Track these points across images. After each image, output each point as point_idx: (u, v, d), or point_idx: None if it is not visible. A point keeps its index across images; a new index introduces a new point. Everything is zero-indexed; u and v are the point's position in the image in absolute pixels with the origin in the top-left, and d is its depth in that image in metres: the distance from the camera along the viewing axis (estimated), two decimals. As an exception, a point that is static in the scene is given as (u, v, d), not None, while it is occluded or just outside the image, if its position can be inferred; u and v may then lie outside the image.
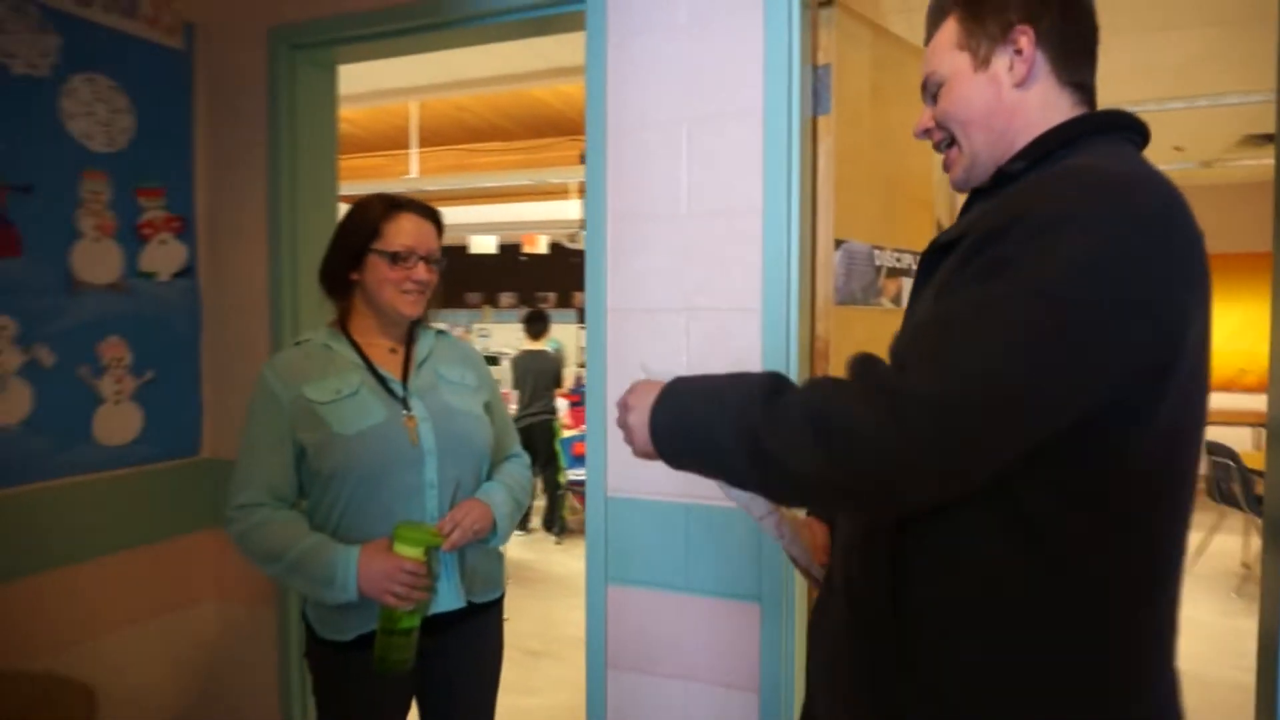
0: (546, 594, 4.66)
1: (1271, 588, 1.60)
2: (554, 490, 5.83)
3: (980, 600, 0.87)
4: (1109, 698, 0.86)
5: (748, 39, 1.83)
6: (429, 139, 7.51)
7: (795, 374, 1.80)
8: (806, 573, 1.23)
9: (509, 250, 10.48)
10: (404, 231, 1.62)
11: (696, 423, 0.90)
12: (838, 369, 1.80)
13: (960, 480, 0.79)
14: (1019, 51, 0.96)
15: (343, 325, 1.68)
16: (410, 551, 1.48)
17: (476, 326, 11.39)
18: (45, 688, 1.79)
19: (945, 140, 1.05)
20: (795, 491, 0.86)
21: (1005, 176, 0.97)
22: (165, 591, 2.36)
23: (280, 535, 1.53)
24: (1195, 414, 0.88)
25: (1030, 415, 0.77)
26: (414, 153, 7.38)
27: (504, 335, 11.49)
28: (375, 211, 1.63)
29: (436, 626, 1.62)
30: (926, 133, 1.07)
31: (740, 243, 1.85)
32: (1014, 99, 0.98)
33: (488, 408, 1.77)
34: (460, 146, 7.77)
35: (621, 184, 1.95)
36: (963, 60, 1.00)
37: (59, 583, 2.12)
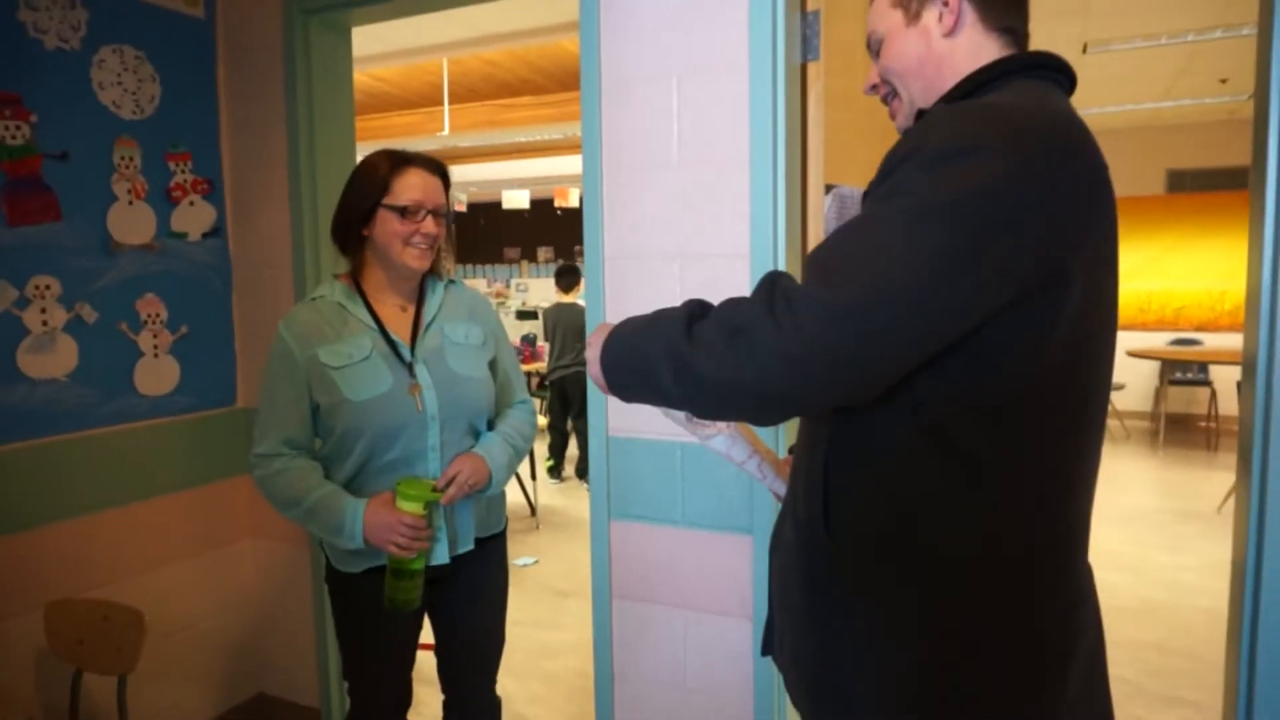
0: (576, 538, 4.83)
1: (1242, 519, 1.64)
2: (586, 439, 5.97)
3: (896, 514, 0.95)
4: (1014, 605, 0.94)
5: (733, -11, 1.87)
6: (461, 95, 7.58)
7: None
8: None
9: (545, 204, 10.55)
10: (412, 186, 1.67)
11: (633, 353, 0.98)
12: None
13: (851, 382, 0.84)
14: (946, 3, 1.04)
15: (356, 280, 1.75)
16: (410, 506, 1.60)
17: (515, 281, 11.52)
18: (102, 613, 1.96)
19: (890, 93, 1.12)
20: (714, 401, 0.90)
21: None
22: (206, 531, 2.54)
23: (296, 484, 1.65)
24: (1096, 340, 0.94)
25: (912, 323, 0.83)
26: (445, 110, 7.46)
27: (542, 289, 11.63)
28: (383, 168, 1.68)
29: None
30: (874, 88, 1.15)
31: (728, 189, 1.91)
32: (943, 48, 1.05)
33: (493, 363, 1.84)
34: (492, 102, 7.82)
35: (615, 136, 2.02)
36: (896, 17, 1.08)
37: (110, 523, 2.31)
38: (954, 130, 0.87)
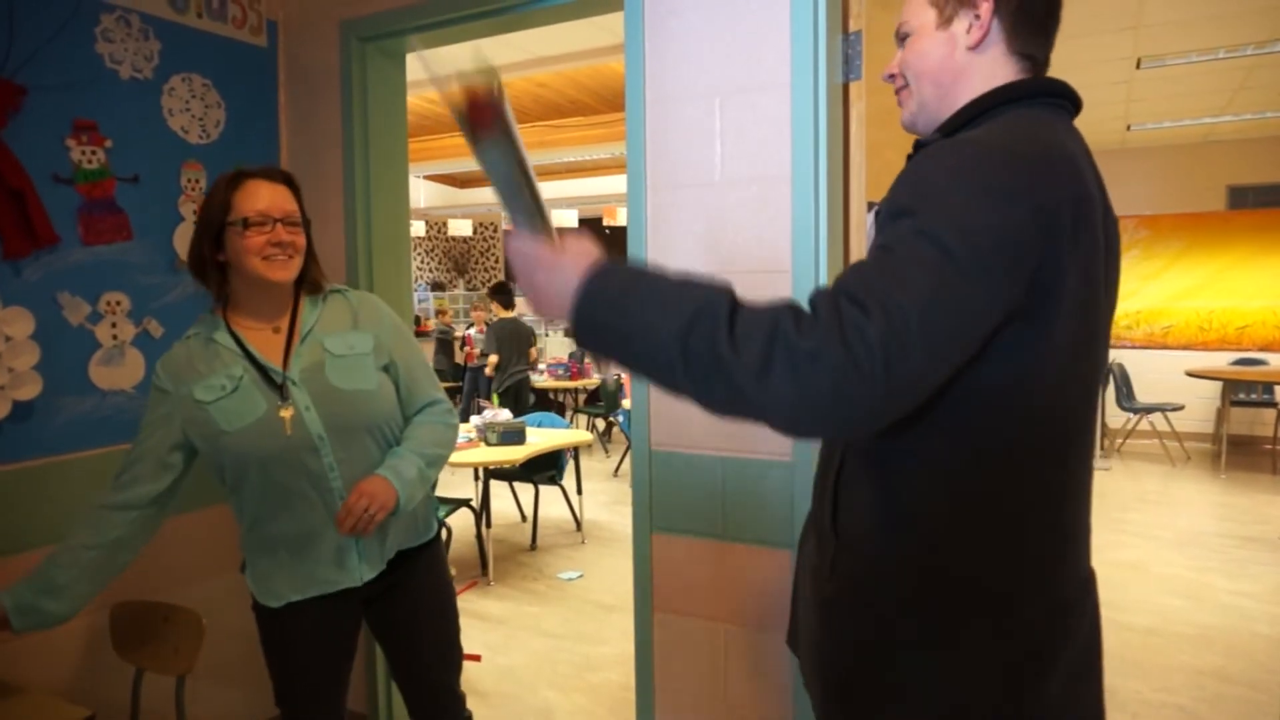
0: (620, 552, 4.85)
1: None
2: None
3: (894, 524, 1.01)
4: (1008, 599, 0.99)
5: (775, 13, 1.90)
6: (511, 117, 7.73)
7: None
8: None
9: (594, 223, 10.67)
10: (255, 197, 1.59)
11: (636, 318, 0.85)
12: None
13: (924, 390, 0.86)
14: (977, 16, 1.06)
15: (224, 312, 1.67)
16: None
17: (563, 299, 11.66)
18: (163, 615, 2.05)
19: (903, 86, 1.15)
20: (736, 411, 0.85)
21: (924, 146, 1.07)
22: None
23: (73, 530, 1.61)
24: (1084, 360, 0.99)
25: (949, 340, 0.85)
26: (496, 131, 7.61)
27: (590, 307, 11.72)
28: (221, 187, 1.61)
29: (369, 579, 1.72)
30: (891, 77, 1.17)
31: (771, 207, 1.94)
32: (965, 60, 1.08)
33: (389, 366, 1.75)
34: (542, 123, 7.96)
35: (659, 155, 2.06)
36: (930, 16, 1.10)
37: (173, 529, 2.38)
38: (940, 179, 0.91)
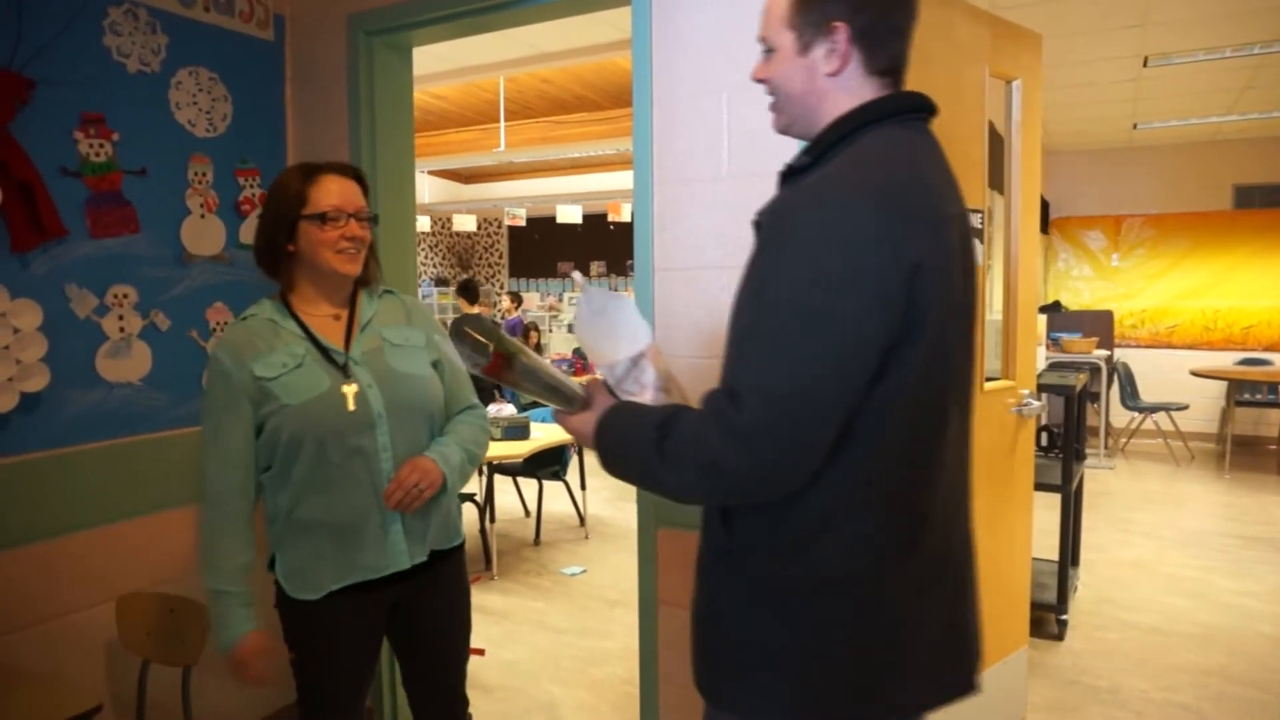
0: (624, 548, 4.85)
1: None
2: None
3: (769, 518, 1.09)
4: (869, 580, 1.08)
5: (783, 7, 1.90)
6: (516, 112, 7.72)
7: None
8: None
9: (598, 219, 10.66)
10: (330, 192, 1.64)
11: (623, 451, 1.14)
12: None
13: (817, 457, 1.01)
14: (835, 45, 1.09)
15: (285, 298, 1.72)
16: None
17: (568, 295, 11.64)
18: (169, 606, 2.05)
19: (773, 96, 1.19)
20: (690, 501, 1.14)
21: (795, 170, 1.14)
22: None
23: (221, 551, 1.64)
24: (942, 354, 1.07)
25: (831, 405, 0.99)
26: (502, 127, 7.60)
27: (594, 303, 11.69)
28: (296, 180, 1.66)
29: (402, 577, 1.71)
30: (760, 82, 1.20)
31: (777, 204, 1.93)
32: (826, 85, 1.12)
33: (438, 364, 1.80)
34: (546, 119, 7.95)
35: (666, 150, 2.07)
36: (789, 40, 1.13)
37: (179, 520, 2.41)
38: (795, 227, 1.01)
